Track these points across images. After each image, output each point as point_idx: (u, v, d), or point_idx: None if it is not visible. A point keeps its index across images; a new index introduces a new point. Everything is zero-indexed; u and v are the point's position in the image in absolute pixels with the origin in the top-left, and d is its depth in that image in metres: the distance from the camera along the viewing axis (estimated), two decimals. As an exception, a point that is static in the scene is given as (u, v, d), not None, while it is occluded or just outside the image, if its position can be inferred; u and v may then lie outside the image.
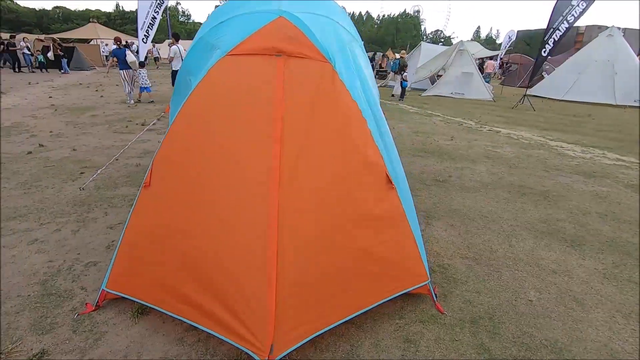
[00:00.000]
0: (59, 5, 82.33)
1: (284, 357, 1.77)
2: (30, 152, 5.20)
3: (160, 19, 12.81)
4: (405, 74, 12.75)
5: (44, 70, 18.67)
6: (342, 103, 2.39)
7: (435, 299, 2.39)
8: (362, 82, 2.84)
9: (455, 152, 6.19)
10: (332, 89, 2.39)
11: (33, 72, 18.36)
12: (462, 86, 14.56)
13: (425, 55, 16.60)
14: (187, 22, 77.91)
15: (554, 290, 2.62)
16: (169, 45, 10.59)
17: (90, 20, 30.14)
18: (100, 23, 34.35)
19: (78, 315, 2.15)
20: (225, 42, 2.62)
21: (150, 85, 10.40)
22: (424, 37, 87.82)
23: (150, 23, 12.11)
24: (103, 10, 74.87)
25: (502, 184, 4.75)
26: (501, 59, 26.48)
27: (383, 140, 2.71)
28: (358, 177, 2.27)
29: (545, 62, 21.60)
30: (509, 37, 23.97)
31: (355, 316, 2.10)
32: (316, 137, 2.22)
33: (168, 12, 14.61)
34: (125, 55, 9.52)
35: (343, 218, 2.15)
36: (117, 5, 77.50)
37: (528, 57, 20.70)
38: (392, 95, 14.03)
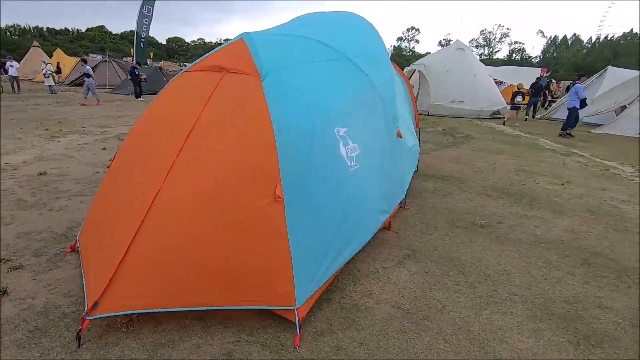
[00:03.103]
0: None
1: (110, 316, 2.09)
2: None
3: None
4: None
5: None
6: (255, 113, 2.50)
7: (298, 329, 2.17)
8: (324, 97, 2.86)
9: (545, 199, 4.85)
10: (251, 101, 2.54)
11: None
12: (661, 123, 10.73)
13: (611, 81, 13.07)
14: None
15: (468, 379, 1.93)
16: None
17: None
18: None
19: (62, 251, 3.03)
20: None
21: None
22: (661, 61, 67.18)
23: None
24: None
25: (568, 246, 3.51)
26: None
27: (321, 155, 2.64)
28: (244, 184, 2.33)
29: None
30: None
31: (207, 311, 2.21)
32: (217, 140, 2.42)
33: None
34: None
35: (217, 216, 2.27)
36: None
37: None
38: None
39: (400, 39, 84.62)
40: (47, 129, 8.33)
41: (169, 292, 2.19)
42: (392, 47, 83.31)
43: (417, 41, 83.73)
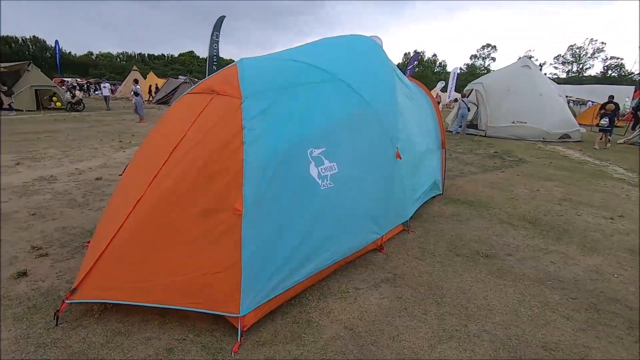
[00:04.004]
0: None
1: (86, 302, 2.43)
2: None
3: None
4: None
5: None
6: (230, 132, 2.72)
7: (239, 336, 2.28)
8: (301, 118, 3.01)
9: (580, 233, 4.29)
10: (229, 121, 2.79)
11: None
12: None
13: None
14: (441, 72, 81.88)
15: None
16: None
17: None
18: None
19: (82, 245, 3.54)
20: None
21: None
22: None
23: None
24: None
25: (581, 288, 3.09)
26: None
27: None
28: (210, 196, 2.55)
29: None
30: None
31: (168, 309, 2.43)
32: (195, 155, 2.68)
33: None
34: None
35: (183, 224, 2.51)
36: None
37: None
38: None
39: (474, 56, 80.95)
40: (120, 141, 9.66)
41: (135, 288, 2.46)
42: (466, 66, 79.98)
43: (493, 59, 79.18)
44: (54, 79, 25.65)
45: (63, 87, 20.15)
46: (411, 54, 65.51)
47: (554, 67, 74.12)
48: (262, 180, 2.60)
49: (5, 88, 15.37)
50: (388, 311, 2.68)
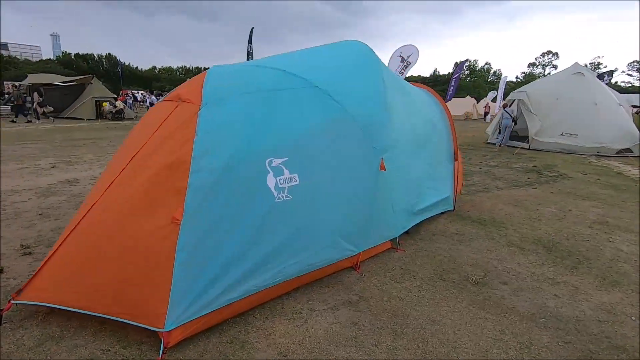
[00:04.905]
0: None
1: (28, 304, 2.47)
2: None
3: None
4: None
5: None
6: (183, 139, 2.68)
7: (160, 353, 2.16)
8: (262, 126, 2.91)
9: (604, 263, 3.65)
10: (185, 127, 2.76)
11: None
12: None
13: None
14: (495, 82, 77.64)
15: None
16: None
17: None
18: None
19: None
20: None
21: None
22: None
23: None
24: (422, 75, 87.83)
25: (582, 329, 2.57)
26: None
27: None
28: (152, 203, 2.51)
29: None
30: None
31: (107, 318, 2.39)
32: (149, 162, 2.68)
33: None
34: None
35: (123, 233, 2.48)
36: (435, 70, 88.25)
37: None
38: None
39: (532, 64, 75.86)
40: (152, 148, 10.21)
41: (77, 294, 2.45)
42: (523, 75, 75.04)
43: (555, 66, 73.45)
44: (121, 91, 28.19)
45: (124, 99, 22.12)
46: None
47: (627, 74, 67.03)
48: (207, 190, 2.53)
49: (41, 99, 17.29)
50: (335, 338, 2.42)
